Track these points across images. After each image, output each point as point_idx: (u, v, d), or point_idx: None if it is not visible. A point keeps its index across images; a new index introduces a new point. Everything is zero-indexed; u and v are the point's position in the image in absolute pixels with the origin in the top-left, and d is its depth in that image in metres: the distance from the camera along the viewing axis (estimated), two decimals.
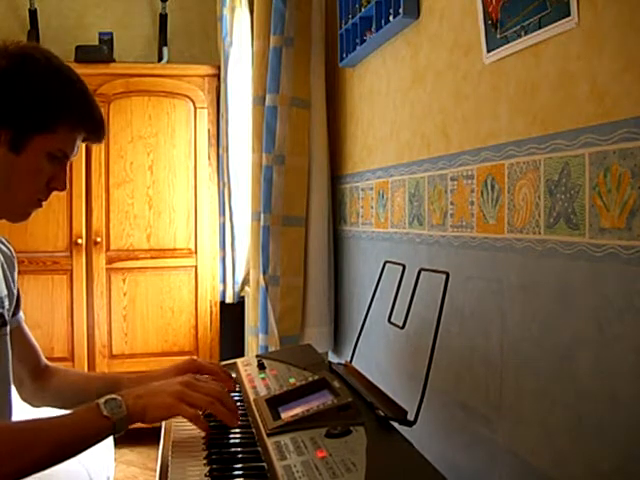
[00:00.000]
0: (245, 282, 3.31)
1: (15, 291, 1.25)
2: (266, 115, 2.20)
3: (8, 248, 1.26)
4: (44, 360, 1.33)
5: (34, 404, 1.32)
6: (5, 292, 1.18)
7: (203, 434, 1.05)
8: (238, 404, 1.21)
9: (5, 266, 1.22)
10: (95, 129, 1.13)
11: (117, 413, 0.96)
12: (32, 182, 1.08)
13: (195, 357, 1.33)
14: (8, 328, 1.17)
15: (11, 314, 1.20)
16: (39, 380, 1.30)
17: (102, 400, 0.97)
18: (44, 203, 1.13)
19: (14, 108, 1.03)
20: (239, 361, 1.46)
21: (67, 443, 0.95)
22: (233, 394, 1.23)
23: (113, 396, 0.98)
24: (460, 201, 1.38)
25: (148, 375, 1.26)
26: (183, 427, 1.11)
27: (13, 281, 1.24)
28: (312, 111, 2.21)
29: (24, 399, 1.30)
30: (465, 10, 1.35)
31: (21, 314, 1.27)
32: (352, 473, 0.80)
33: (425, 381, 0.98)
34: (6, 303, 1.18)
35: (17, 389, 1.23)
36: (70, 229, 3.33)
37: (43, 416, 0.97)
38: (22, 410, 1.27)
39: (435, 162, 1.50)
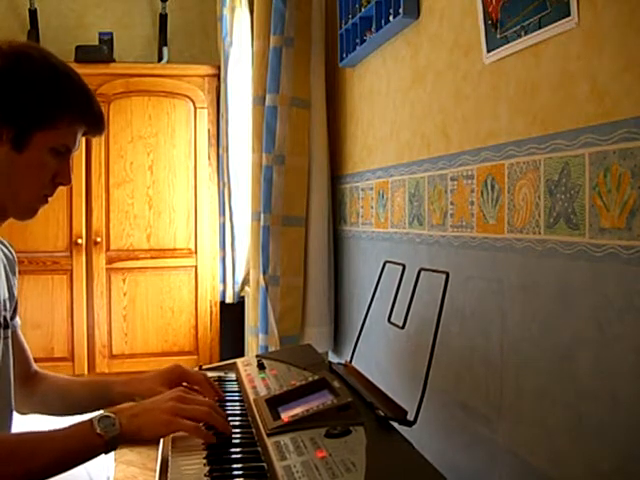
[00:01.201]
0: (245, 282, 3.31)
1: (15, 295, 1.25)
2: (266, 115, 2.20)
3: (10, 251, 1.26)
4: (34, 366, 1.32)
5: (20, 411, 1.30)
6: (7, 295, 1.18)
7: None
8: (237, 405, 1.21)
9: (7, 269, 1.21)
10: (95, 121, 1.13)
11: (110, 431, 0.96)
12: (37, 178, 1.08)
13: (179, 364, 1.32)
14: (10, 331, 1.17)
15: (10, 317, 1.20)
16: (27, 386, 1.29)
17: (96, 417, 0.97)
18: (50, 199, 1.13)
19: (13, 106, 1.03)
20: (239, 361, 1.46)
21: (60, 457, 0.95)
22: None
23: (107, 414, 0.98)
24: (460, 201, 1.38)
25: (136, 378, 1.25)
26: None
27: (13, 285, 1.24)
28: (312, 111, 2.21)
29: None
30: (465, 10, 1.35)
31: (17, 319, 1.27)
32: (352, 473, 0.80)
33: (425, 381, 0.98)
34: (8, 306, 1.18)
35: None
36: (70, 229, 3.33)
37: (36, 423, 0.97)
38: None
39: (435, 162, 1.50)
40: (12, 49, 1.05)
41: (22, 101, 1.04)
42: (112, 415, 0.98)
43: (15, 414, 1.20)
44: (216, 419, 1.02)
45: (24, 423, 1.36)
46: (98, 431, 0.95)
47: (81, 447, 0.96)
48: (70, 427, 0.97)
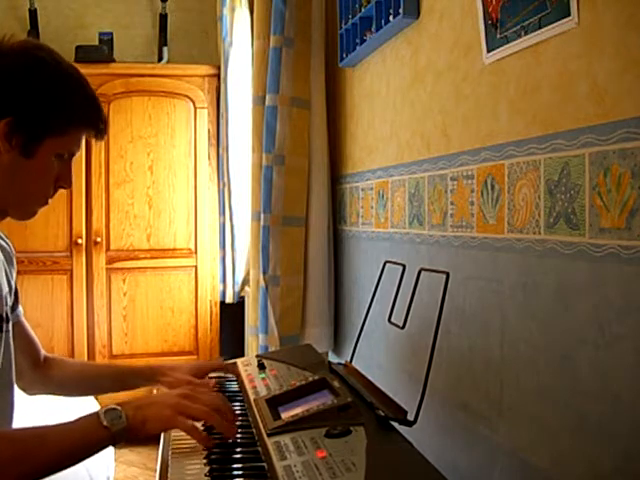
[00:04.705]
0: (245, 282, 3.31)
1: (14, 285, 1.25)
2: (266, 115, 2.20)
3: (7, 244, 1.26)
4: (43, 351, 1.35)
5: (30, 392, 1.33)
6: (7, 289, 1.19)
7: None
8: (238, 405, 1.21)
9: (5, 263, 1.22)
10: (101, 128, 1.15)
11: (117, 424, 0.95)
12: (42, 183, 1.09)
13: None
14: (10, 324, 1.17)
15: (11, 309, 1.21)
16: (40, 370, 1.32)
17: (102, 410, 0.97)
18: (50, 200, 1.14)
19: (27, 114, 1.03)
20: (239, 361, 1.46)
21: (67, 452, 0.94)
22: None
23: (113, 406, 0.98)
24: (460, 201, 1.38)
25: (158, 365, 1.32)
26: None
27: (12, 277, 1.25)
28: (312, 111, 2.21)
29: (21, 387, 1.31)
30: (465, 10, 1.35)
31: (20, 308, 1.29)
32: (352, 473, 0.80)
33: (425, 381, 0.98)
34: (9, 300, 1.19)
35: (15, 378, 1.24)
36: (70, 229, 3.33)
37: (43, 410, 0.97)
38: (21, 406, 1.28)
39: (435, 162, 1.50)
40: (23, 50, 1.04)
41: (36, 109, 1.03)
42: (118, 408, 0.98)
43: (18, 404, 1.21)
44: (216, 420, 1.01)
45: (31, 404, 1.38)
46: (105, 424, 0.95)
47: (88, 440, 0.96)
48: (76, 421, 0.97)
